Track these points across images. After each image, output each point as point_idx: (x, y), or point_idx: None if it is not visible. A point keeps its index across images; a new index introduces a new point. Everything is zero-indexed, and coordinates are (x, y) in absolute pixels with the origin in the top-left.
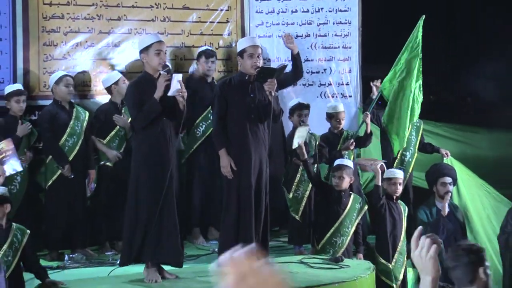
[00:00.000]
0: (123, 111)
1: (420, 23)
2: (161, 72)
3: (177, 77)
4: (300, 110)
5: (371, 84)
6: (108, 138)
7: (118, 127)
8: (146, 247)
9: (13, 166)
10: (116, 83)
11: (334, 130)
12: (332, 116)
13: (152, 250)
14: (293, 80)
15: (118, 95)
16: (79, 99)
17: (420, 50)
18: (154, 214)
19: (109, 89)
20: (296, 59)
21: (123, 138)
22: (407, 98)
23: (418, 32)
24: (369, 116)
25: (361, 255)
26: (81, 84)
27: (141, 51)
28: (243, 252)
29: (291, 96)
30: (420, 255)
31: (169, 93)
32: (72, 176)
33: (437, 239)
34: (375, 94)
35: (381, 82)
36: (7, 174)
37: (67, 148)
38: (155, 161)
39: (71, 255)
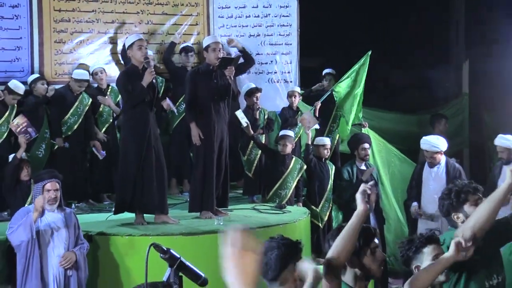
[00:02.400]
0: (108, 93)
1: (367, 58)
2: (144, 62)
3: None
4: (256, 93)
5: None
6: (96, 115)
7: (102, 106)
8: (135, 199)
9: (30, 133)
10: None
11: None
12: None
13: (139, 201)
14: (248, 66)
15: (97, 83)
16: None
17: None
18: (139, 172)
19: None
20: (244, 52)
21: (108, 115)
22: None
23: (366, 60)
24: (319, 104)
25: (300, 204)
26: None
27: (127, 48)
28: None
29: (246, 82)
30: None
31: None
32: (67, 146)
33: (373, 187)
34: (324, 85)
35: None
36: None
37: (69, 123)
38: (138, 131)
39: (77, 204)
